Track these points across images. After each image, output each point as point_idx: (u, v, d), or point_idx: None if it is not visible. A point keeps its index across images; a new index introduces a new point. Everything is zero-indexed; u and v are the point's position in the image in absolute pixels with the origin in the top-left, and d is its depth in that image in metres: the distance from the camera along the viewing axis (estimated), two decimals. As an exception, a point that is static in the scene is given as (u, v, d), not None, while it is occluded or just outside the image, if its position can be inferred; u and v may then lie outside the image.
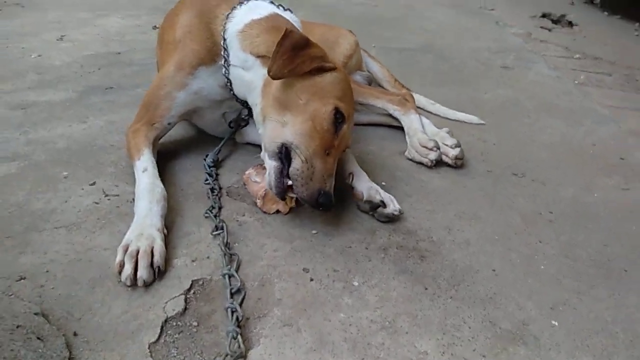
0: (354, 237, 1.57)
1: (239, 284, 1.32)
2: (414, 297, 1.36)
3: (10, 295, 1.24)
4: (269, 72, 1.50)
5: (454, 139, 2.09)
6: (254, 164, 1.79)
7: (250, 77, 1.70)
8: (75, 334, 1.16)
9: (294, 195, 1.53)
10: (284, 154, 1.52)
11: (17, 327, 1.10)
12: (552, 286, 1.46)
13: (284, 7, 1.90)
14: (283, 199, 1.56)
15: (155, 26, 3.75)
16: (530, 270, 1.51)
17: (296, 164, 1.49)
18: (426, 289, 1.39)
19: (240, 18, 1.75)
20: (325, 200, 1.47)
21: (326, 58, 1.60)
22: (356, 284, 1.38)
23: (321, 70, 1.57)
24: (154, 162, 1.67)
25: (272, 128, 1.57)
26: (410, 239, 1.59)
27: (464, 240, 1.62)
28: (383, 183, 1.90)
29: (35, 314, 1.15)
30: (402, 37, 4.17)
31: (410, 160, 2.10)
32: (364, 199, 1.66)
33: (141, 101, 1.85)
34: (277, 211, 1.65)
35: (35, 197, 1.66)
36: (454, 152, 2.04)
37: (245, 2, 1.82)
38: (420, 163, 2.07)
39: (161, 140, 1.97)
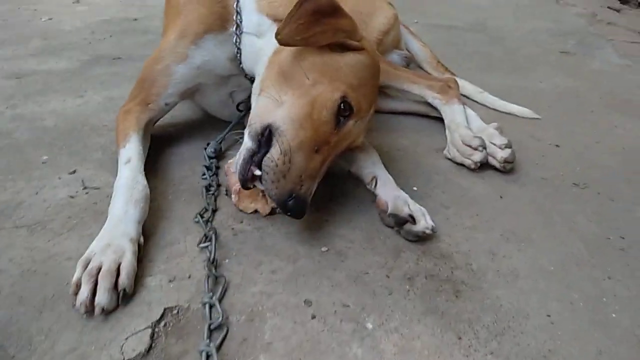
0: (373, 260, 1.27)
1: (220, 319, 1.04)
2: (444, 349, 1.05)
3: (-63, 316, 1.01)
4: (277, 34, 1.21)
5: (504, 137, 1.73)
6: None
7: (261, 44, 1.42)
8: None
9: (260, 188, 1.24)
10: (266, 138, 1.23)
11: None
12: (629, 345, 1.11)
13: None
14: (245, 187, 1.26)
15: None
16: (597, 319, 1.17)
17: (273, 152, 1.18)
18: (460, 338, 1.08)
19: None
20: (295, 206, 1.18)
21: (354, 34, 1.30)
22: (370, 326, 1.08)
23: (344, 48, 1.27)
24: (141, 152, 1.40)
25: (265, 104, 1.28)
26: (444, 266, 1.28)
27: (511, 271, 1.29)
28: (414, 188, 1.58)
29: (-46, 349, 0.91)
30: (451, 14, 3.76)
31: (450, 160, 1.76)
32: (389, 211, 1.35)
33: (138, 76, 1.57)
34: (255, 211, 1.37)
35: (2, 186, 1.42)
36: (503, 154, 1.69)
37: None
38: (462, 165, 1.73)
39: (160, 122, 1.70)
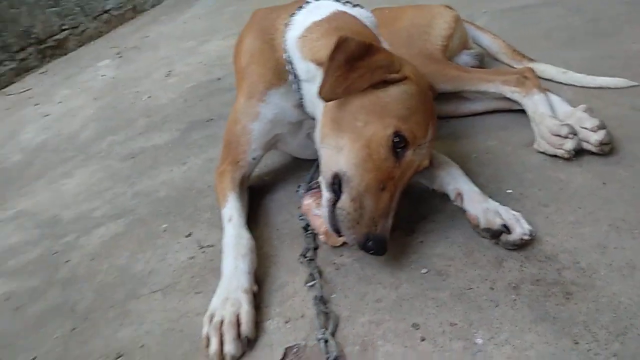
0: (475, 274, 1.28)
1: (335, 352, 1.12)
2: (560, 356, 1.03)
3: (106, 381, 1.20)
4: (319, 93, 1.26)
5: (594, 118, 1.63)
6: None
7: (315, 90, 1.48)
8: None
9: None
10: (338, 185, 1.29)
11: None
12: None
13: (352, 4, 1.63)
14: (340, 235, 1.31)
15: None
16: None
17: (343, 202, 1.25)
18: (577, 342, 1.05)
19: (300, 23, 1.52)
20: (376, 247, 1.22)
21: (392, 67, 1.31)
22: (480, 341, 1.10)
23: (387, 82, 1.30)
24: (241, 208, 1.54)
25: (327, 154, 1.35)
26: (550, 269, 1.24)
27: (627, 263, 1.22)
28: (508, 191, 1.55)
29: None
30: (521, -8, 3.59)
31: (542, 153, 1.70)
32: (481, 226, 1.35)
33: (223, 139, 1.74)
34: (344, 243, 1.43)
35: (136, 258, 1.65)
36: (597, 137, 1.59)
37: (305, 5, 1.59)
38: (555, 156, 1.66)
39: (255, 172, 1.86)
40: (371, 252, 1.24)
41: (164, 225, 1.78)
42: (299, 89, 1.53)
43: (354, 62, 1.25)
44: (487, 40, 2.46)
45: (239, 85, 1.70)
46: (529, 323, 1.11)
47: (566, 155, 1.62)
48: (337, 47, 1.24)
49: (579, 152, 1.62)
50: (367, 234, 1.22)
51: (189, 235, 1.69)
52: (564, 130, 1.62)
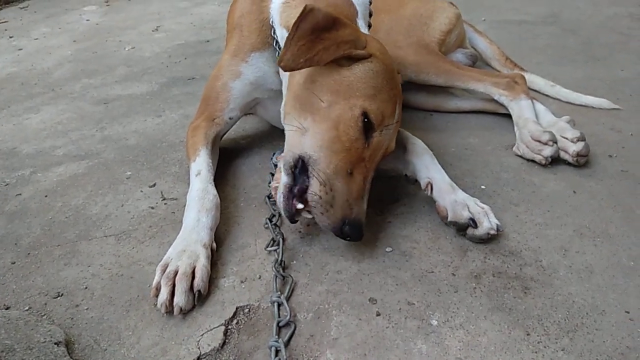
0: (439, 259, 1.27)
1: (288, 316, 1.09)
2: (511, 345, 1.02)
3: (43, 315, 1.14)
4: (279, 61, 1.18)
5: (576, 130, 1.66)
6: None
7: None
8: (97, 369, 1.01)
9: (309, 217, 1.23)
10: (300, 169, 1.23)
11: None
12: None
13: None
14: (293, 221, 1.26)
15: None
16: (685, 316, 1.09)
17: (313, 186, 1.19)
18: (528, 334, 1.05)
19: None
20: (352, 232, 1.17)
21: (358, 42, 1.24)
22: (435, 323, 1.09)
23: (352, 59, 1.24)
24: (210, 164, 1.49)
25: (291, 135, 1.28)
26: (512, 263, 1.25)
27: (586, 267, 1.23)
28: (482, 186, 1.55)
29: (56, 343, 1.02)
30: (523, 9, 3.62)
31: (520, 157, 1.71)
32: (448, 218, 1.33)
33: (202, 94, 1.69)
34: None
35: (94, 200, 1.58)
36: (575, 148, 1.61)
37: None
38: (533, 161, 1.67)
39: (232, 135, 1.81)
40: (347, 237, 1.19)
41: (128, 173, 1.72)
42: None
43: (320, 33, 1.18)
44: (483, 44, 2.47)
45: (227, 43, 1.65)
46: (486, 311, 1.11)
47: (543, 162, 1.63)
48: (304, 16, 1.17)
49: (557, 161, 1.65)
50: (342, 218, 1.17)
51: (153, 185, 1.63)
52: (545, 137, 1.63)
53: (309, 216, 1.22)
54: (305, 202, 1.20)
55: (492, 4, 3.68)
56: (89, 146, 1.93)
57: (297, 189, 1.21)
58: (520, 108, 1.83)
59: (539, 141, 1.65)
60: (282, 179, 1.24)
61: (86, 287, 1.23)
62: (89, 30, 3.66)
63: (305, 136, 1.23)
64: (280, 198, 1.23)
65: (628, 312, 1.10)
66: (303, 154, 1.22)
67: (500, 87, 1.91)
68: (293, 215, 1.22)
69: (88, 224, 1.47)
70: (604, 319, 1.08)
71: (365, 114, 1.20)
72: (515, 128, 1.80)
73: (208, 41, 3.16)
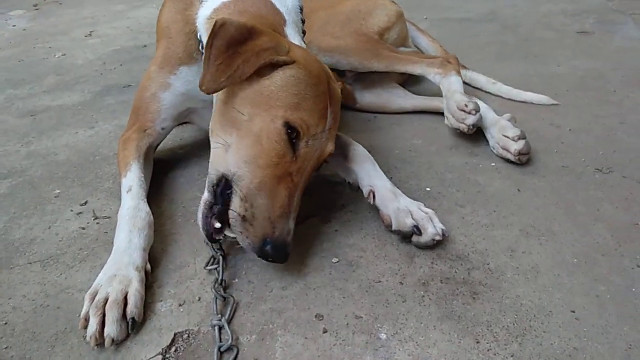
0: (386, 267, 1.23)
1: (230, 340, 1.02)
2: (461, 355, 1.00)
3: (-46, 359, 1.03)
4: (200, 85, 1.12)
5: (516, 128, 1.67)
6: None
7: None
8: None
9: (232, 236, 1.17)
10: (222, 187, 1.17)
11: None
12: (661, 335, 1.04)
13: None
14: (212, 241, 1.19)
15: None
16: (626, 312, 1.09)
17: (234, 204, 1.13)
18: (478, 342, 1.03)
19: (211, 2, 1.38)
20: (274, 252, 1.10)
21: (280, 48, 1.17)
22: (384, 336, 1.04)
23: (275, 66, 1.17)
24: (142, 179, 1.40)
25: (216, 152, 1.21)
26: (460, 268, 1.22)
27: (532, 267, 1.22)
28: (427, 189, 1.54)
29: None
30: (464, 7, 3.69)
31: (449, 127, 1.80)
32: (393, 227, 1.29)
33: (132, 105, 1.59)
34: None
35: (17, 224, 1.45)
36: (516, 146, 1.62)
37: None
38: (459, 129, 1.76)
39: (168, 145, 1.72)
40: (270, 258, 1.12)
41: (57, 191, 1.59)
42: None
43: (236, 47, 1.12)
44: (425, 43, 2.47)
45: (156, 49, 1.56)
46: (435, 320, 1.08)
47: (466, 130, 1.71)
48: (215, 32, 1.11)
49: (500, 160, 1.66)
50: (263, 237, 1.10)
51: (85, 203, 1.52)
52: (469, 106, 1.71)
53: (232, 235, 1.15)
54: (226, 221, 1.13)
55: (433, 2, 3.72)
56: (12, 163, 1.78)
57: (218, 207, 1.15)
58: (450, 82, 1.87)
59: (464, 110, 1.71)
60: (203, 196, 1.18)
61: (6, 323, 1.11)
62: (15, 36, 3.43)
63: (229, 152, 1.17)
64: (199, 215, 1.17)
65: (574, 312, 1.09)
66: (227, 171, 1.16)
67: (434, 67, 1.95)
68: (211, 235, 1.16)
69: (10, 250, 1.34)
70: (551, 320, 1.07)
71: (288, 125, 1.14)
72: (444, 100, 1.84)
73: (145, 46, 3.03)
